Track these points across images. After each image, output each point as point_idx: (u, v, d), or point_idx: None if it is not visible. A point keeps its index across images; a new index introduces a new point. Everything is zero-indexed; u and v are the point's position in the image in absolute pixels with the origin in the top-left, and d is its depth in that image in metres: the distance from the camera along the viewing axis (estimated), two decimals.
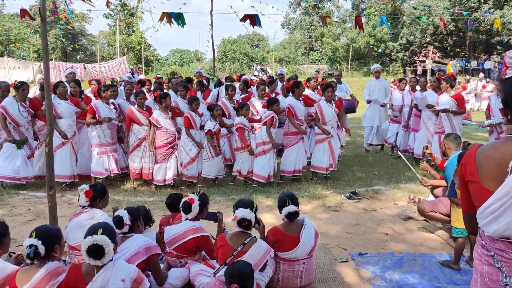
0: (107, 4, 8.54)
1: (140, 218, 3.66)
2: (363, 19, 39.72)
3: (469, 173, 2.06)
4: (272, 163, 7.18)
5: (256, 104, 7.93)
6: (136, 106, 7.11)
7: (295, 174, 7.45)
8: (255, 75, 11.28)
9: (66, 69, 8.67)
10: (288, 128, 7.39)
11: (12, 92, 7.21)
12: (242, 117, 7.16)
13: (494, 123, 7.70)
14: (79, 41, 49.58)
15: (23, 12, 6.93)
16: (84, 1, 7.86)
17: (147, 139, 7.04)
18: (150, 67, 40.34)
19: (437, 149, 8.12)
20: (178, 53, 52.87)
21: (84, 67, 32.16)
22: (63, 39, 48.48)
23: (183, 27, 5.52)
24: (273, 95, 8.38)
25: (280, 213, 3.91)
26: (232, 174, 7.38)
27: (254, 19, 6.09)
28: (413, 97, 8.82)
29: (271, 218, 5.72)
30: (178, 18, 5.38)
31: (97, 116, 6.97)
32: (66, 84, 7.39)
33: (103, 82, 9.23)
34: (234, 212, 3.64)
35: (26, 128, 7.09)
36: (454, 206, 4.42)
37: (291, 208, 3.80)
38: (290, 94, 7.75)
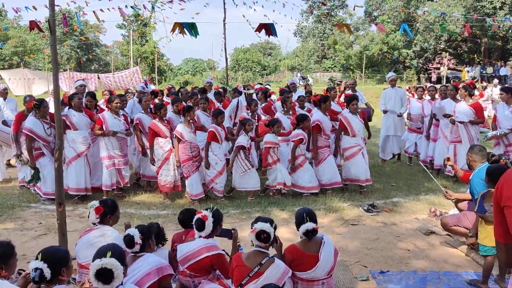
0: (122, 15, 8.49)
1: (152, 236, 3.51)
2: (375, 28, 39.55)
3: (506, 197, 1.86)
4: (313, 171, 7.13)
5: (283, 120, 7.68)
6: (157, 119, 6.98)
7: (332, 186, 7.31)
8: (293, 83, 11.02)
9: (77, 80, 8.60)
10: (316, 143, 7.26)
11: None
12: (274, 134, 7.02)
13: (499, 134, 7.41)
14: (93, 51, 50.17)
15: (33, 24, 6.88)
16: (97, 18, 7.86)
17: (173, 151, 6.92)
18: (163, 77, 40.51)
19: (452, 159, 7.88)
20: (191, 62, 53.12)
21: (98, 77, 32.41)
22: (78, 50, 49.11)
23: (196, 37, 5.40)
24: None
25: (298, 230, 3.72)
26: (277, 187, 7.10)
27: (269, 29, 5.95)
28: (432, 107, 8.58)
29: (286, 233, 5.53)
30: (191, 28, 5.26)
31: (104, 128, 6.89)
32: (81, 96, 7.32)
33: (115, 93, 9.15)
34: (253, 227, 3.47)
35: (54, 143, 7.00)
36: (482, 223, 4.19)
37: (309, 225, 3.61)
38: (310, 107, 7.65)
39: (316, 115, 7.33)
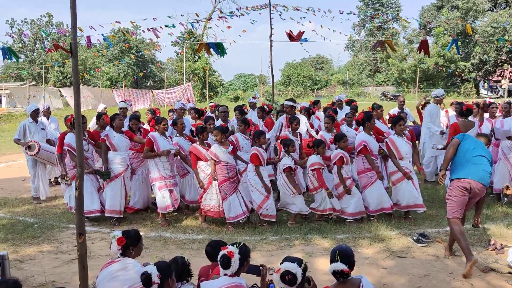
0: (156, 35, 8.57)
1: (172, 275, 3.27)
2: (431, 39, 38.10)
3: None
4: (358, 198, 6.68)
5: (326, 138, 7.33)
6: (197, 143, 6.84)
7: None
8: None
9: (120, 102, 8.68)
10: (363, 165, 6.81)
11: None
12: (319, 155, 6.69)
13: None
14: (149, 68, 51.89)
15: (56, 47, 7.00)
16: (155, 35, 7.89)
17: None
18: (212, 93, 41.04)
19: None
20: (243, 78, 53.68)
21: (152, 93, 33.35)
22: (134, 67, 50.99)
23: (223, 56, 5.23)
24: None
25: None
26: (324, 214, 6.76)
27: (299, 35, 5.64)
28: (494, 127, 7.86)
29: (327, 264, 5.07)
30: (218, 48, 5.09)
31: (155, 148, 6.79)
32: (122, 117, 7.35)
33: (158, 112, 9.15)
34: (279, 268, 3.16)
35: (92, 160, 7.16)
36: None
37: (337, 266, 3.23)
38: (358, 126, 7.22)
39: (361, 135, 6.90)
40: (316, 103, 10.49)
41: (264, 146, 6.95)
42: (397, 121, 6.84)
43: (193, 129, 7.06)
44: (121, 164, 6.93)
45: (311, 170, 6.71)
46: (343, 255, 3.28)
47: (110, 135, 6.94)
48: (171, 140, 7.11)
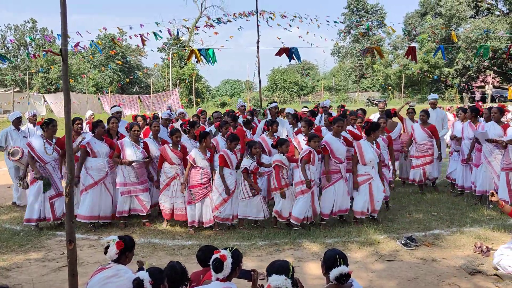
0: (143, 42, 8.56)
1: (164, 281, 3.25)
2: (416, 45, 38.63)
3: None
4: (308, 204, 6.64)
5: (301, 141, 7.40)
6: (170, 144, 6.93)
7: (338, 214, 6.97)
8: (325, 106, 10.71)
9: (113, 106, 8.63)
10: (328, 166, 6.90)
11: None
12: (282, 154, 6.73)
13: None
14: (135, 74, 51.64)
15: (47, 52, 6.97)
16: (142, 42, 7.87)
17: (177, 178, 6.88)
18: (199, 99, 41.00)
19: (505, 189, 7.28)
20: (229, 84, 53.71)
21: (139, 99, 33.17)
22: (120, 73, 50.69)
23: (213, 63, 5.24)
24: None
25: (326, 274, 3.33)
26: (273, 215, 6.89)
27: (292, 53, 5.74)
28: (475, 131, 8.03)
29: (316, 269, 5.13)
30: (207, 54, 5.10)
31: (121, 156, 6.86)
32: (105, 125, 7.30)
33: (149, 118, 9.12)
34: (267, 279, 3.14)
35: (53, 166, 6.97)
36: None
37: (343, 269, 3.20)
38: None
39: (326, 136, 7.04)
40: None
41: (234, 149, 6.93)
42: (374, 129, 6.98)
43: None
44: (100, 170, 6.89)
45: (272, 167, 6.77)
46: (343, 257, 3.27)
47: (91, 142, 6.91)
48: (144, 148, 7.08)
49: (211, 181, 6.78)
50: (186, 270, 3.66)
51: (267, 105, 9.12)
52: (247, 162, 6.70)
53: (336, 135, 6.95)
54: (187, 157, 6.72)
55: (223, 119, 8.63)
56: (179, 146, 6.98)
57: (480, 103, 17.02)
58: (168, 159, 6.87)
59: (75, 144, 6.99)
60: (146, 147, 7.13)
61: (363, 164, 6.87)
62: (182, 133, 7.14)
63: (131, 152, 6.89)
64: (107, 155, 6.98)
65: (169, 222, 7.10)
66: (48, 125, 6.92)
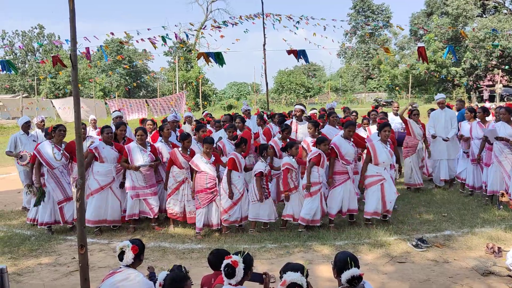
0: (153, 45, 8.60)
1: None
2: (422, 45, 38.42)
3: None
4: (316, 206, 6.63)
5: (311, 144, 7.36)
6: (180, 148, 6.94)
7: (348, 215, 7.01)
8: (332, 108, 10.71)
9: (114, 111, 8.67)
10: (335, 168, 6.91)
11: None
12: (292, 157, 6.71)
13: None
14: (142, 78, 51.87)
15: (55, 59, 7.01)
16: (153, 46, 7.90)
17: (186, 182, 6.91)
18: (205, 102, 41.06)
19: None
20: (236, 86, 53.70)
21: (147, 102, 33.33)
22: (127, 77, 50.94)
23: (221, 66, 5.24)
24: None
25: (338, 277, 3.31)
26: (283, 218, 6.87)
27: (301, 54, 5.76)
28: (483, 129, 7.97)
29: (327, 272, 5.11)
30: (216, 57, 5.10)
31: (129, 160, 6.87)
32: (113, 129, 7.33)
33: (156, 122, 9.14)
34: (281, 277, 3.13)
35: (61, 171, 7.00)
36: None
37: (354, 271, 3.17)
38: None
39: (334, 138, 7.03)
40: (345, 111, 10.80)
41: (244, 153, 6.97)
42: (382, 127, 6.99)
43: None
44: (106, 176, 6.90)
45: (283, 169, 6.75)
46: (354, 260, 3.25)
47: (99, 147, 6.93)
48: (151, 152, 7.08)
49: (217, 185, 6.76)
50: (187, 274, 3.67)
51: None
52: (262, 166, 6.68)
53: (346, 138, 6.94)
54: (190, 162, 6.72)
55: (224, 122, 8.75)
56: (189, 150, 6.99)
57: (487, 102, 16.90)
58: (177, 163, 6.88)
59: (84, 149, 7.02)
60: (154, 151, 7.14)
61: (376, 164, 6.84)
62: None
63: (139, 157, 6.90)
64: (115, 160, 7.00)
65: (176, 226, 7.11)
66: (55, 130, 6.97)
